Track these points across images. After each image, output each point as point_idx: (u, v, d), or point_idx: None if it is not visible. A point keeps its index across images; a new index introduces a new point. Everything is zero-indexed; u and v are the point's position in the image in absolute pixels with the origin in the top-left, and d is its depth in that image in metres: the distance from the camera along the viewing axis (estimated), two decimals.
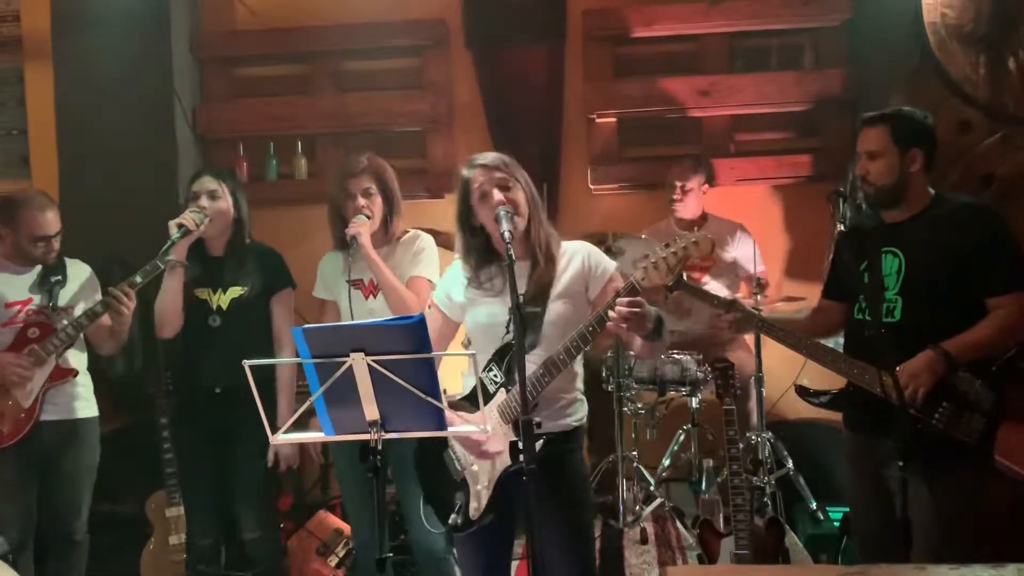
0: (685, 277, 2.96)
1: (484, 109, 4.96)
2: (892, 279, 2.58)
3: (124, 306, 3.03)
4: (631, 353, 4.05)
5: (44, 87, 4.70)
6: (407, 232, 3.17)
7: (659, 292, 2.84)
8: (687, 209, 4.44)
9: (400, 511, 3.35)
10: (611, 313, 2.20)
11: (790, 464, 4.01)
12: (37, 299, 3.20)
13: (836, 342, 2.87)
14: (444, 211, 4.73)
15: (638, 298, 2.20)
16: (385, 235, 3.12)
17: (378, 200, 3.07)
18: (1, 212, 3.19)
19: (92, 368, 3.40)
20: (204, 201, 3.13)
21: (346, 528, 3.78)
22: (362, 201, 3.03)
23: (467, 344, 2.64)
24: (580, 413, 2.50)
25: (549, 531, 2.35)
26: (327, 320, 3.12)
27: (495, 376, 2.41)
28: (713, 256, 4.28)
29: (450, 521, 2.44)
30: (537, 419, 2.07)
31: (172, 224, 3.03)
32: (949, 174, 3.91)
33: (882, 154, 2.58)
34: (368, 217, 3.02)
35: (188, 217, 3.04)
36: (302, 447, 3.39)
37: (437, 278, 3.09)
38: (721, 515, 3.50)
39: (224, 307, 3.18)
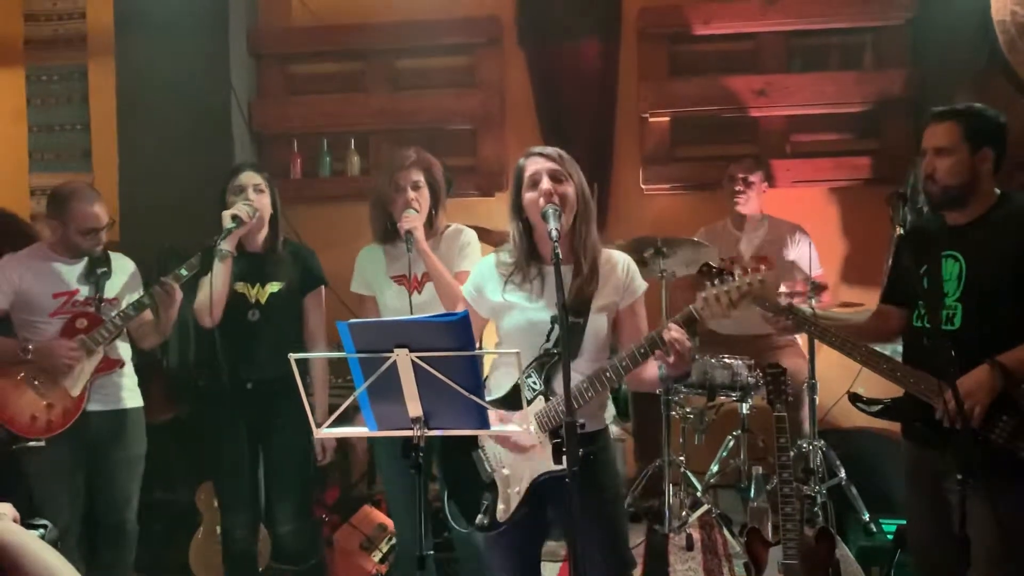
0: None
1: (536, 107, 4.95)
2: (952, 284, 2.48)
3: (171, 298, 3.08)
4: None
5: (106, 83, 4.83)
6: (449, 226, 3.16)
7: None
8: (749, 205, 4.37)
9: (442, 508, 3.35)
10: (666, 335, 2.16)
11: (842, 473, 3.91)
12: (84, 290, 3.26)
13: (894, 349, 2.78)
14: (494, 209, 4.74)
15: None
16: (431, 228, 3.10)
17: (426, 193, 3.06)
18: (52, 205, 3.27)
19: (146, 361, 3.46)
20: (251, 194, 3.16)
21: (390, 524, 3.79)
22: (412, 194, 3.03)
23: (498, 346, 2.62)
24: (608, 415, 2.48)
25: (584, 527, 2.33)
26: (365, 316, 3.13)
27: (533, 383, 2.37)
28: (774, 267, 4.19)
29: (476, 522, 2.41)
30: (581, 420, 2.03)
31: (226, 215, 3.07)
32: (1017, 177, 3.77)
33: (951, 151, 2.47)
34: (417, 211, 3.02)
35: (242, 208, 3.08)
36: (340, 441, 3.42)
37: None
38: (770, 524, 3.42)
39: (263, 302, 3.20)
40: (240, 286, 3.20)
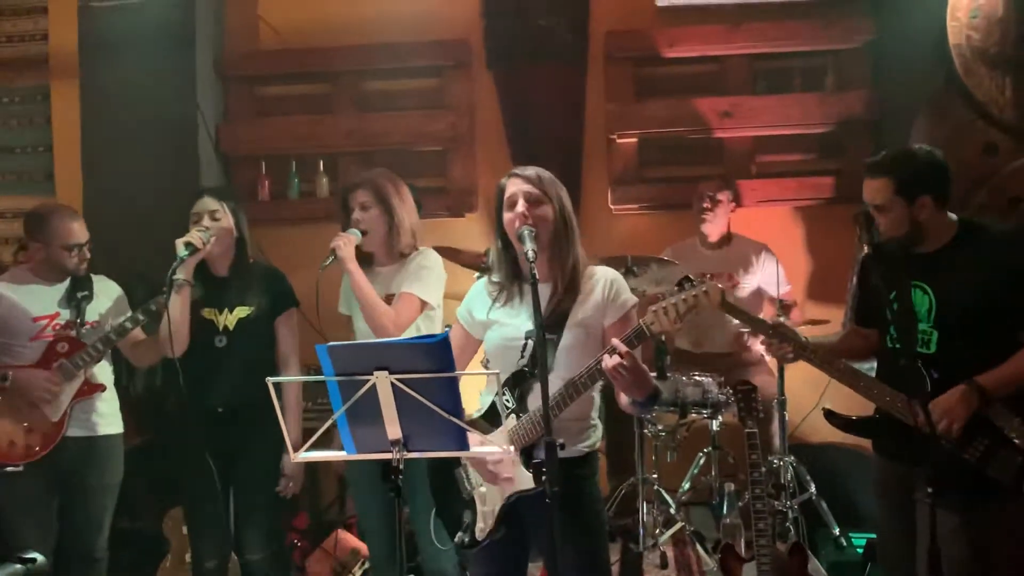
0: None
1: (505, 129, 4.96)
2: (924, 313, 2.49)
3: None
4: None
5: (70, 105, 4.76)
6: (418, 250, 3.13)
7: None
8: (716, 223, 4.42)
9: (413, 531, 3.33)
10: (605, 358, 2.16)
11: (813, 488, 3.96)
12: (64, 314, 3.22)
13: (869, 366, 2.82)
14: (465, 230, 4.75)
15: (631, 361, 2.13)
16: (390, 253, 3.09)
17: (375, 214, 3.03)
18: (31, 226, 3.24)
19: (115, 385, 3.41)
20: (207, 221, 3.11)
21: (363, 548, 3.75)
22: (358, 215, 3.02)
23: (486, 364, 2.62)
24: (593, 438, 2.45)
25: (565, 558, 2.32)
26: (346, 338, 3.11)
27: (507, 401, 2.37)
28: (730, 290, 4.25)
29: (456, 540, 2.42)
30: (561, 440, 2.04)
31: (179, 242, 3.01)
32: (975, 196, 3.87)
33: (887, 208, 2.48)
34: (363, 233, 3.01)
35: (195, 235, 3.02)
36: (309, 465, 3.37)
37: (433, 298, 3.04)
38: (743, 540, 3.45)
39: (231, 327, 3.16)
40: (207, 312, 3.16)
